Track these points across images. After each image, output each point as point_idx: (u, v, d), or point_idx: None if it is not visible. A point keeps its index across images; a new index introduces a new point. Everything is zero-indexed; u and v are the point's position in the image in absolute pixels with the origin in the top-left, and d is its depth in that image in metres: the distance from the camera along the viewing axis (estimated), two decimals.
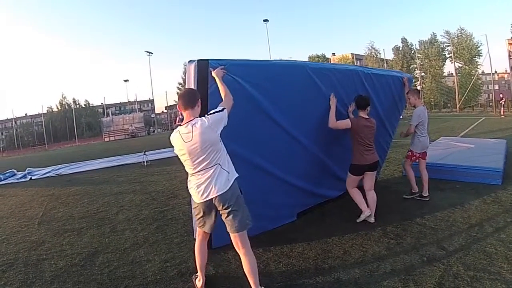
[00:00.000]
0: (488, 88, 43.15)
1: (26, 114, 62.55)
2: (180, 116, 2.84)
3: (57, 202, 6.91)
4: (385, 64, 39.99)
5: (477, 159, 6.42)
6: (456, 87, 34.64)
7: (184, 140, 2.64)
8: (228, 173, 2.74)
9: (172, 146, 2.79)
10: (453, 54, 36.11)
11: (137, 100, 57.75)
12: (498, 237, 3.68)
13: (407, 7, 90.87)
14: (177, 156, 2.82)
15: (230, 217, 2.73)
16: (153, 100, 54.54)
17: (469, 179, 5.83)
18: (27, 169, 12.14)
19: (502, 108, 24.38)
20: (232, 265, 3.45)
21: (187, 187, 2.89)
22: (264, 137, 3.86)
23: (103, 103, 53.54)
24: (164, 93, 66.17)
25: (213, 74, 3.11)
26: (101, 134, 41.95)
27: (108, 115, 50.61)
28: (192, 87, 3.16)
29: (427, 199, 5.09)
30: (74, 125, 45.02)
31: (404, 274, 3.07)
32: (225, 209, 2.72)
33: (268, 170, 4.01)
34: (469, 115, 25.14)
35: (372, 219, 4.35)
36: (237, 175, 2.82)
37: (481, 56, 35.29)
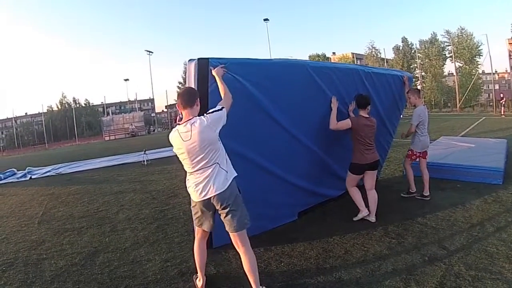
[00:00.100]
0: (488, 87, 43.11)
1: (26, 113, 62.46)
2: (180, 115, 2.83)
3: (57, 201, 6.90)
4: (385, 63, 39.96)
5: (478, 159, 6.42)
6: (457, 87, 34.61)
7: (183, 139, 2.64)
8: (227, 172, 2.74)
9: (172, 146, 2.78)
10: (453, 54, 36.08)
11: (137, 99, 57.74)
12: (499, 236, 3.67)
13: (407, 7, 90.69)
14: (176, 155, 2.81)
15: (229, 217, 2.73)
16: (153, 99, 54.59)
17: (470, 178, 5.82)
18: (27, 168, 12.12)
19: (502, 107, 24.37)
20: (233, 265, 3.44)
21: (185, 186, 2.88)
22: (264, 136, 3.85)
23: (103, 102, 53.49)
24: (165, 92, 66.43)
25: (213, 72, 3.10)
26: (101, 133, 41.89)
27: (108, 114, 50.57)
28: (193, 85, 3.16)
29: (428, 198, 5.08)
30: (74, 124, 45.00)
31: (405, 274, 3.07)
32: (224, 208, 2.72)
33: (268, 169, 4.01)
34: (470, 115, 25.13)
35: (373, 219, 4.34)
36: (235, 174, 2.82)
37: (482, 55, 35.29)
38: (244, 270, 2.81)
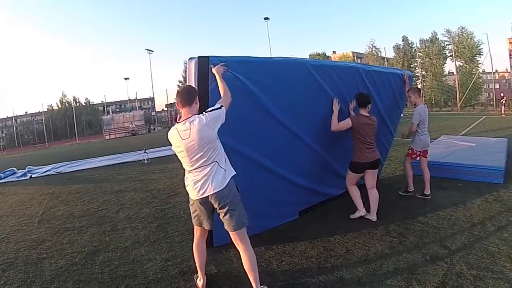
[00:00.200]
0: (488, 87, 43.11)
1: (26, 112, 62.60)
2: (180, 114, 2.83)
3: (57, 200, 6.89)
4: (385, 62, 39.95)
5: (478, 158, 6.41)
6: (457, 86, 34.59)
7: (182, 137, 2.64)
8: (225, 170, 2.74)
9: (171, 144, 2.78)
10: (453, 53, 36.05)
11: (138, 98, 57.68)
12: (500, 236, 3.66)
13: (408, 6, 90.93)
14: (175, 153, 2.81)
15: (227, 216, 2.73)
16: (153, 98, 54.52)
17: (471, 177, 5.81)
18: (27, 167, 12.13)
19: (503, 107, 24.38)
20: (233, 264, 3.43)
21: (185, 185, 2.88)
22: (264, 134, 3.84)
23: (104, 101, 53.40)
24: (165, 91, 66.43)
25: (214, 70, 3.10)
26: (101, 132, 41.92)
27: (108, 113, 50.43)
28: (193, 84, 3.15)
29: (429, 197, 5.08)
30: (74, 123, 45.01)
31: (407, 273, 3.06)
32: (222, 207, 2.72)
33: (269, 167, 3.99)
34: (470, 114, 25.13)
35: (374, 218, 4.33)
36: (234, 172, 2.81)
37: (482, 55, 35.29)
38: (244, 269, 2.81)
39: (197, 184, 2.71)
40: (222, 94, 2.97)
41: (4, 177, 10.64)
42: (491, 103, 32.38)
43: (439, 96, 37.29)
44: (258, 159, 3.85)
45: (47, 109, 56.47)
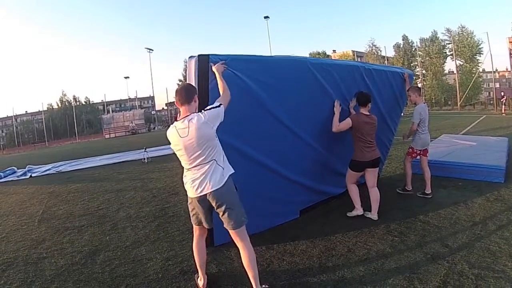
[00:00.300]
0: (488, 86, 43.17)
1: (26, 111, 62.61)
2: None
3: (57, 199, 6.89)
4: (386, 61, 39.97)
5: (479, 157, 6.40)
6: (457, 85, 34.59)
7: (180, 135, 2.64)
8: (223, 169, 2.74)
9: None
10: (454, 52, 36.05)
11: (138, 97, 57.77)
12: (501, 235, 3.65)
13: (408, 5, 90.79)
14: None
15: (226, 214, 2.73)
16: (153, 97, 54.48)
17: (472, 177, 5.81)
18: (27, 166, 12.13)
19: (503, 106, 24.39)
20: (234, 263, 3.41)
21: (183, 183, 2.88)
22: (264, 132, 3.83)
23: (104, 100, 53.39)
24: (165, 89, 66.42)
25: (214, 68, 3.09)
26: (101, 131, 41.91)
27: (108, 112, 50.46)
28: (193, 82, 3.15)
29: (430, 196, 5.07)
30: (74, 122, 45.01)
31: (408, 272, 3.05)
32: (219, 206, 2.71)
33: (269, 165, 3.99)
34: (470, 113, 25.14)
35: (375, 217, 4.33)
36: (232, 171, 2.81)
37: (482, 54, 35.31)
38: (244, 267, 2.81)
39: (195, 182, 2.70)
40: (221, 92, 2.97)
41: (4, 177, 10.64)
42: (491, 102, 32.42)
43: (439, 95, 37.33)
44: (258, 157, 3.84)
45: (47, 108, 56.50)
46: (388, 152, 6.62)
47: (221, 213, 2.75)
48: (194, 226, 3.01)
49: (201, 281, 3.03)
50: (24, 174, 10.92)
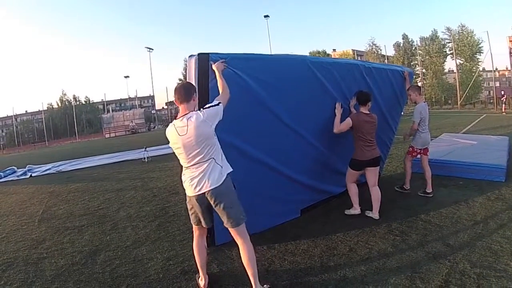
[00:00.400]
0: (488, 85, 43.17)
1: (26, 111, 62.62)
2: None
3: (57, 199, 6.88)
4: (386, 60, 40.00)
5: (480, 156, 6.39)
6: (457, 84, 34.61)
7: (179, 133, 2.64)
8: (222, 167, 2.74)
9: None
10: (454, 51, 36.06)
11: (138, 96, 57.81)
12: (503, 234, 3.64)
13: (408, 4, 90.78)
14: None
15: (225, 213, 2.73)
16: (153, 96, 54.58)
17: (473, 175, 5.79)
18: (27, 166, 12.12)
19: (503, 105, 24.38)
20: (236, 263, 3.39)
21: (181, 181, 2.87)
22: (264, 131, 3.82)
23: (104, 100, 53.44)
24: (165, 89, 66.45)
25: (214, 67, 3.09)
26: (101, 130, 41.95)
27: (108, 111, 50.54)
28: (193, 81, 3.15)
29: (431, 195, 5.06)
30: (74, 122, 45.05)
31: (410, 272, 3.04)
32: (218, 204, 2.72)
33: (269, 164, 3.97)
34: (470, 112, 25.15)
35: (376, 216, 4.32)
36: (231, 169, 2.81)
37: (482, 53, 35.32)
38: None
39: (194, 181, 2.71)
40: (220, 90, 2.97)
41: (4, 176, 10.63)
42: (492, 101, 32.43)
43: (439, 94, 37.35)
44: (259, 156, 3.83)
45: (47, 107, 56.50)
46: (388, 151, 6.61)
47: (220, 212, 2.75)
48: (193, 226, 3.01)
49: (202, 281, 3.01)
50: (24, 173, 10.92)
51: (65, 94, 59.04)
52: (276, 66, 3.82)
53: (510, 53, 34.87)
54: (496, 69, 40.68)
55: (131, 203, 6.04)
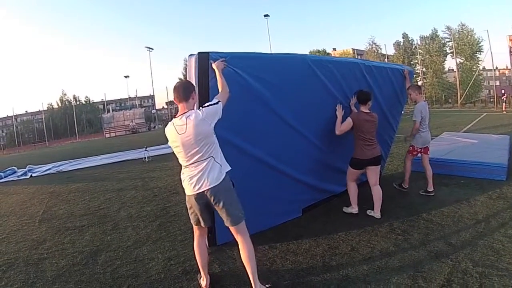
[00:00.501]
0: (489, 84, 43.13)
1: (26, 111, 62.64)
2: None
3: (58, 199, 6.86)
4: (386, 59, 39.94)
5: (481, 155, 6.38)
6: (458, 83, 34.60)
7: (178, 132, 2.64)
8: (221, 166, 2.74)
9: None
10: (454, 50, 36.04)
11: (138, 96, 57.84)
12: (505, 233, 3.64)
13: (408, 2, 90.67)
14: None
15: (224, 211, 2.74)
16: (153, 95, 54.47)
17: (474, 174, 5.79)
18: (27, 166, 12.11)
19: (504, 104, 24.36)
20: (237, 263, 3.37)
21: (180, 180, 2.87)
22: (265, 130, 3.82)
23: (104, 100, 53.46)
24: (165, 88, 66.34)
25: (214, 66, 3.08)
26: (101, 130, 41.98)
27: (108, 111, 50.56)
28: (193, 80, 3.14)
29: (432, 194, 5.05)
30: (74, 122, 45.10)
31: (412, 271, 3.03)
32: (218, 203, 2.72)
33: (270, 163, 3.97)
34: (471, 111, 25.13)
35: (378, 215, 4.31)
36: (229, 168, 2.81)
37: (482, 52, 35.28)
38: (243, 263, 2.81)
39: (193, 179, 2.71)
40: (220, 89, 2.97)
41: (5, 177, 10.62)
42: (492, 100, 32.41)
43: (439, 93, 37.33)
44: (260, 155, 3.83)
45: (47, 108, 56.53)
46: (389, 150, 6.60)
47: (219, 210, 2.76)
48: (193, 226, 3.00)
49: (204, 281, 3.00)
50: (25, 174, 10.90)
51: (65, 94, 59.17)
52: (276, 65, 3.81)
53: (510, 52, 34.88)
54: (496, 68, 40.67)
55: (132, 203, 6.03)
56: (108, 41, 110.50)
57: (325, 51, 51.59)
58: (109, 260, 3.72)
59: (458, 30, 36.69)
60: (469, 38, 35.56)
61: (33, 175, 10.68)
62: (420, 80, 37.44)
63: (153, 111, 52.47)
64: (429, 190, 5.11)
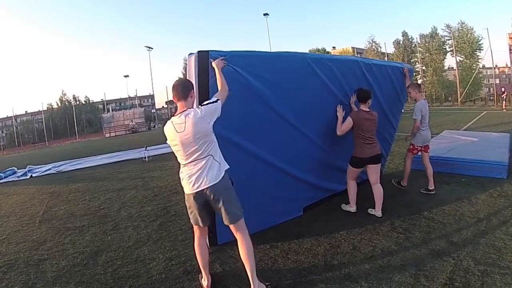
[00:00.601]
0: (488, 82, 43.14)
1: (26, 111, 62.64)
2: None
3: (58, 199, 6.85)
4: (386, 57, 39.91)
5: (481, 153, 6.38)
6: (457, 81, 34.59)
7: (177, 130, 2.63)
8: (220, 164, 2.74)
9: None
10: (454, 48, 36.02)
11: (137, 95, 57.79)
12: (506, 231, 3.63)
13: (408, 0, 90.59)
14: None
15: (223, 210, 2.74)
16: (153, 95, 54.40)
17: (475, 173, 5.78)
18: (27, 166, 12.09)
19: (504, 102, 24.36)
20: (238, 262, 3.34)
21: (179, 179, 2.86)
22: (265, 128, 3.81)
23: (103, 99, 53.45)
24: (165, 88, 66.00)
25: (213, 64, 3.07)
26: (101, 130, 42.00)
27: (108, 111, 50.59)
28: (193, 79, 3.13)
29: (433, 192, 5.05)
30: (74, 122, 45.09)
31: (414, 269, 3.02)
32: (217, 201, 2.72)
33: (271, 162, 3.96)
34: (471, 109, 25.10)
35: (379, 213, 4.30)
36: (228, 166, 2.81)
37: (482, 50, 35.27)
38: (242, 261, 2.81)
39: (192, 178, 2.70)
40: (219, 87, 2.96)
41: (5, 177, 10.59)
42: (492, 98, 32.40)
43: (439, 91, 37.32)
44: (261, 154, 3.82)
45: (47, 108, 56.53)
46: (390, 148, 6.59)
47: (218, 208, 2.76)
48: (194, 226, 2.99)
49: (205, 281, 2.99)
50: (25, 174, 10.88)
51: (65, 94, 59.14)
52: (276, 63, 3.80)
53: (510, 50, 34.80)
54: (496, 66, 40.71)
55: (132, 202, 6.02)
56: (108, 41, 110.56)
57: (325, 49, 51.54)
58: (110, 260, 3.71)
59: (458, 28, 36.69)
60: (469, 36, 35.55)
61: (33, 175, 10.66)
62: (420, 78, 37.42)
63: (152, 111, 52.50)
64: (430, 188, 5.10)
